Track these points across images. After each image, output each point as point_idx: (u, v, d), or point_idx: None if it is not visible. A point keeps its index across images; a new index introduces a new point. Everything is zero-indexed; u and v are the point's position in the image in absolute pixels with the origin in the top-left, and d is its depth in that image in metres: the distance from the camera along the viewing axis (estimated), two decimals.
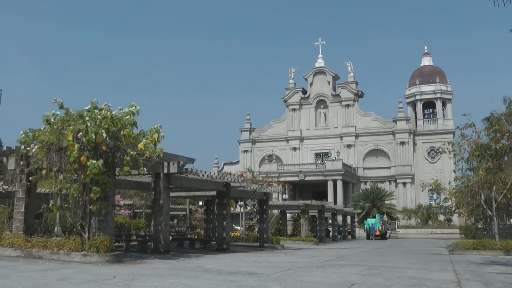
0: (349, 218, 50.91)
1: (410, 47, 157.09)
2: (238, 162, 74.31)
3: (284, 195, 53.51)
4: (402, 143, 67.83)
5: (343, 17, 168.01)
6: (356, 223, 53.61)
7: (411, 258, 18.40)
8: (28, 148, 13.89)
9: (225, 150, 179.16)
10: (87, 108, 13.69)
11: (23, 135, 14.02)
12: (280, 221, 38.23)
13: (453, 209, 34.53)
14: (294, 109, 73.81)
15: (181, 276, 10.04)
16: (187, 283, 8.81)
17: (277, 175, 56.50)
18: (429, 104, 72.34)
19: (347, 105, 71.27)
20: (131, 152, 13.23)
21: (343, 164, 61.95)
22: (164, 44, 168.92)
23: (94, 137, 12.87)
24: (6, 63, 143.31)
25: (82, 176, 13.30)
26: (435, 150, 62.52)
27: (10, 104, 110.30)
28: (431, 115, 72.83)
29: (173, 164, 16.55)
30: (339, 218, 47.02)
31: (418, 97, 71.66)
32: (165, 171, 16.71)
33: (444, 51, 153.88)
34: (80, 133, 13.13)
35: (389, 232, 51.04)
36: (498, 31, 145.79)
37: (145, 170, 13.98)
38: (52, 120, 13.77)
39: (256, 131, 75.48)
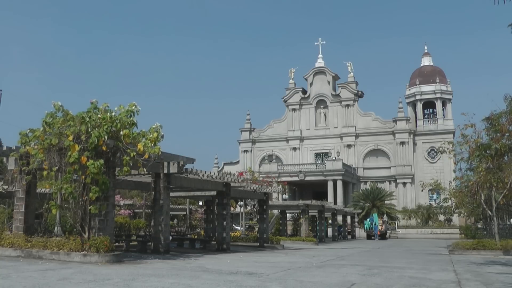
0: (349, 218, 50.91)
1: (410, 47, 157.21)
2: (238, 162, 74.29)
3: (284, 195, 53.56)
4: (402, 143, 67.82)
5: (343, 17, 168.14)
6: (356, 223, 53.63)
7: (411, 258, 18.39)
8: (28, 148, 13.89)
9: (225, 150, 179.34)
10: (87, 109, 13.72)
11: (22, 135, 14.02)
12: (280, 221, 38.20)
13: (453, 209, 34.52)
14: (294, 109, 73.79)
15: (181, 276, 10.04)
16: (187, 283, 8.81)
17: (277, 175, 56.46)
18: (429, 104, 72.32)
19: (347, 105, 71.25)
20: (131, 153, 13.22)
21: (343, 164, 61.94)
22: (164, 44, 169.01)
23: (96, 140, 12.85)
24: (6, 63, 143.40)
25: (82, 176, 13.29)
26: (435, 150, 62.50)
27: (10, 104, 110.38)
28: (431, 115, 72.80)
29: (173, 164, 16.55)
30: (339, 218, 47.00)
31: (418, 97, 71.63)
32: (165, 171, 16.71)
33: (444, 51, 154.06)
34: (83, 136, 13.12)
35: (389, 232, 51.03)
36: (498, 31, 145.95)
37: (145, 170, 13.99)
38: (51, 120, 13.76)
39: (256, 131, 75.46)
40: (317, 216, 38.99)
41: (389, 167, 68.30)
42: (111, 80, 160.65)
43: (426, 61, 75.26)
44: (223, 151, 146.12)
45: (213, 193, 22.88)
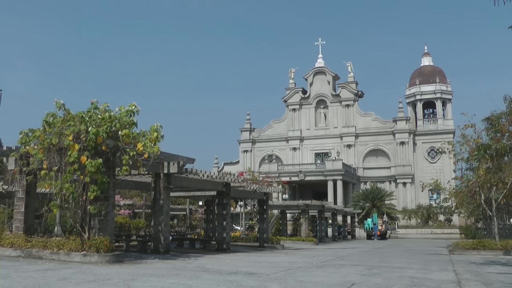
0: (349, 218, 50.92)
1: (410, 47, 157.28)
2: (238, 162, 74.29)
3: (284, 195, 53.55)
4: (402, 143, 67.83)
5: (343, 17, 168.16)
6: (356, 223, 53.65)
7: (411, 258, 18.40)
8: (28, 148, 13.88)
9: (225, 150, 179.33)
10: (87, 109, 13.73)
11: (22, 135, 14.01)
12: (280, 221, 38.22)
13: (453, 209, 34.49)
14: (294, 109, 73.80)
15: (181, 276, 10.04)
16: (187, 283, 8.81)
17: (277, 175, 56.48)
18: (429, 104, 72.34)
19: (347, 105, 71.26)
20: (131, 153, 13.22)
21: (343, 164, 61.95)
22: (164, 44, 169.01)
23: (94, 137, 12.86)
24: (6, 63, 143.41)
25: (82, 176, 13.29)
26: (435, 150, 62.54)
27: (10, 104, 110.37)
28: (431, 115, 72.83)
29: (173, 164, 16.55)
30: (339, 218, 47.03)
31: (418, 97, 71.65)
32: (165, 171, 16.71)
33: (444, 51, 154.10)
34: (82, 135, 13.13)
35: (389, 232, 51.05)
36: (498, 31, 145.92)
37: (145, 170, 13.98)
38: (51, 120, 13.76)
39: (256, 131, 75.47)
40: (317, 216, 39.00)
41: (389, 167, 68.32)
42: (111, 80, 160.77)
43: (426, 61, 75.26)
44: (223, 151, 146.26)
45: (213, 193, 22.88)
